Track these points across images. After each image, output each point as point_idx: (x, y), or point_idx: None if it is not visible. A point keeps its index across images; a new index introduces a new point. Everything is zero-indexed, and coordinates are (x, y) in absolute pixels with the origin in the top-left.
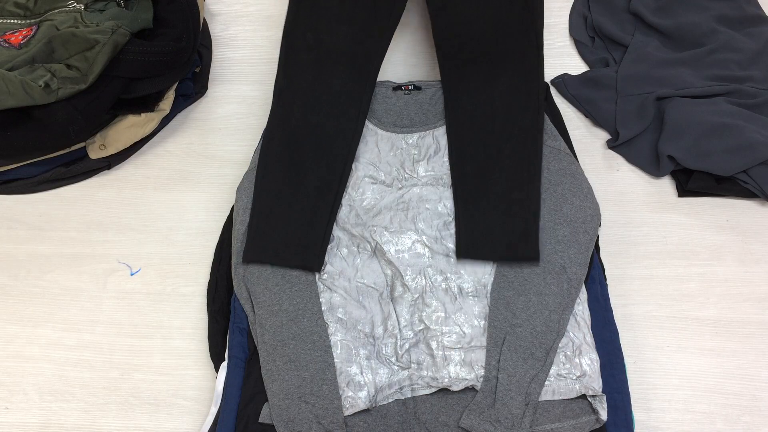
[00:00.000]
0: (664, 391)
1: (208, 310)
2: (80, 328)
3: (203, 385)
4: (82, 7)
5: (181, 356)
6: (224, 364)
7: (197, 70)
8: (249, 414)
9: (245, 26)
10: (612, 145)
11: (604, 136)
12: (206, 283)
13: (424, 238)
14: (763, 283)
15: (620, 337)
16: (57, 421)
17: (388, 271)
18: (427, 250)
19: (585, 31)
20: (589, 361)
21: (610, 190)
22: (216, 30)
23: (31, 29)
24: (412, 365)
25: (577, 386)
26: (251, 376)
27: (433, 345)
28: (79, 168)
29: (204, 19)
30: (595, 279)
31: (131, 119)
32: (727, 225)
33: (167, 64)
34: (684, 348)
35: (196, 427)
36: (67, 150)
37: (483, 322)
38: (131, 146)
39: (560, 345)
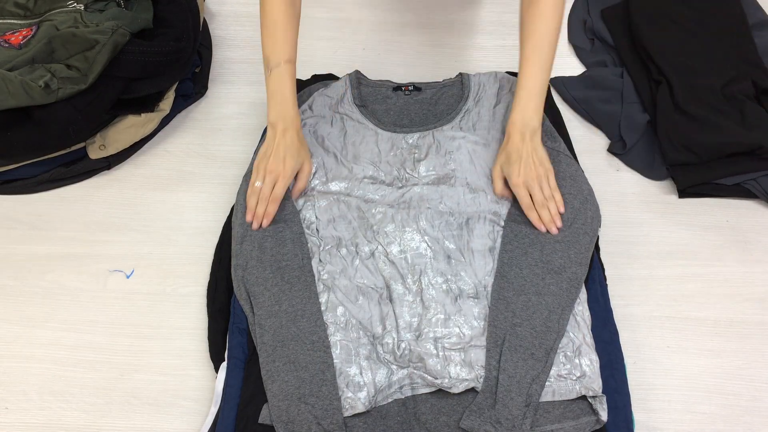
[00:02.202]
0: (664, 392)
1: (208, 310)
2: (80, 328)
3: (203, 386)
4: (82, 7)
5: (181, 356)
6: (224, 365)
7: (197, 70)
8: (249, 414)
9: (245, 26)
10: (619, 152)
11: (604, 136)
12: (206, 283)
13: (426, 237)
14: (763, 283)
15: (620, 337)
16: (57, 421)
17: (388, 272)
18: (429, 250)
19: (584, 36)
20: (589, 362)
21: (610, 191)
22: (216, 30)
23: (31, 29)
24: (411, 364)
25: (577, 387)
26: (251, 377)
27: (433, 346)
28: (79, 168)
29: (204, 19)
30: (595, 279)
31: (131, 119)
32: (727, 225)
33: (167, 64)
34: (684, 348)
35: (196, 428)
36: (67, 150)
37: (483, 323)
38: (131, 146)
39: (560, 345)
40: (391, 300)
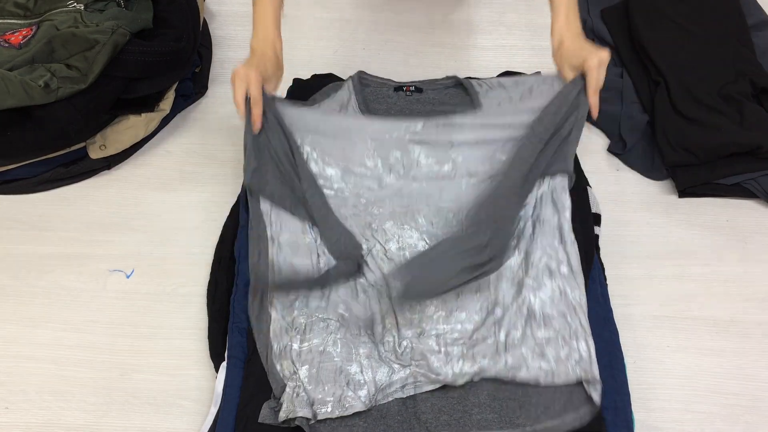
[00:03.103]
0: (664, 391)
1: (208, 310)
2: (80, 328)
3: (203, 386)
4: (82, 7)
5: (181, 356)
6: (224, 365)
7: (197, 70)
8: (248, 414)
9: (245, 26)
10: (620, 152)
11: (604, 136)
12: (206, 283)
13: (425, 236)
14: (763, 283)
15: (620, 337)
16: (57, 421)
17: (387, 269)
18: (428, 248)
19: (584, 36)
20: (586, 347)
21: (610, 190)
22: (216, 30)
23: (31, 29)
24: (413, 363)
25: (577, 371)
26: (251, 377)
27: (435, 343)
28: (79, 168)
29: (204, 19)
30: (595, 279)
31: (132, 119)
32: (727, 225)
33: (167, 64)
34: (684, 348)
35: (196, 428)
36: (67, 150)
37: (484, 316)
38: (131, 146)
39: (557, 328)
40: (390, 297)
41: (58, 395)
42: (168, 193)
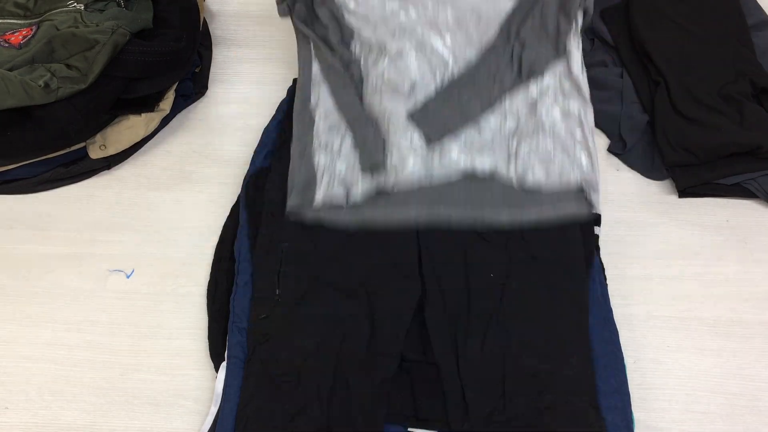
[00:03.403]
0: (664, 391)
1: (208, 310)
2: (80, 328)
3: (203, 385)
4: (82, 7)
5: (181, 356)
6: (224, 364)
7: (197, 70)
8: (248, 414)
9: (245, 26)
10: (620, 152)
11: (604, 136)
12: (206, 283)
13: (447, 46)
14: (763, 283)
15: (620, 337)
16: (57, 421)
17: (414, 69)
18: (451, 57)
19: (584, 36)
20: (588, 158)
21: (610, 190)
22: (216, 30)
23: (31, 29)
24: (436, 151)
25: (579, 178)
26: (251, 377)
27: (455, 144)
28: (79, 168)
29: (204, 19)
30: (595, 279)
31: (132, 119)
32: (727, 225)
33: (167, 64)
34: (684, 348)
35: (196, 428)
36: (67, 150)
37: (498, 126)
38: (131, 146)
39: (563, 141)
40: (414, 91)
41: (58, 395)
42: (168, 193)
